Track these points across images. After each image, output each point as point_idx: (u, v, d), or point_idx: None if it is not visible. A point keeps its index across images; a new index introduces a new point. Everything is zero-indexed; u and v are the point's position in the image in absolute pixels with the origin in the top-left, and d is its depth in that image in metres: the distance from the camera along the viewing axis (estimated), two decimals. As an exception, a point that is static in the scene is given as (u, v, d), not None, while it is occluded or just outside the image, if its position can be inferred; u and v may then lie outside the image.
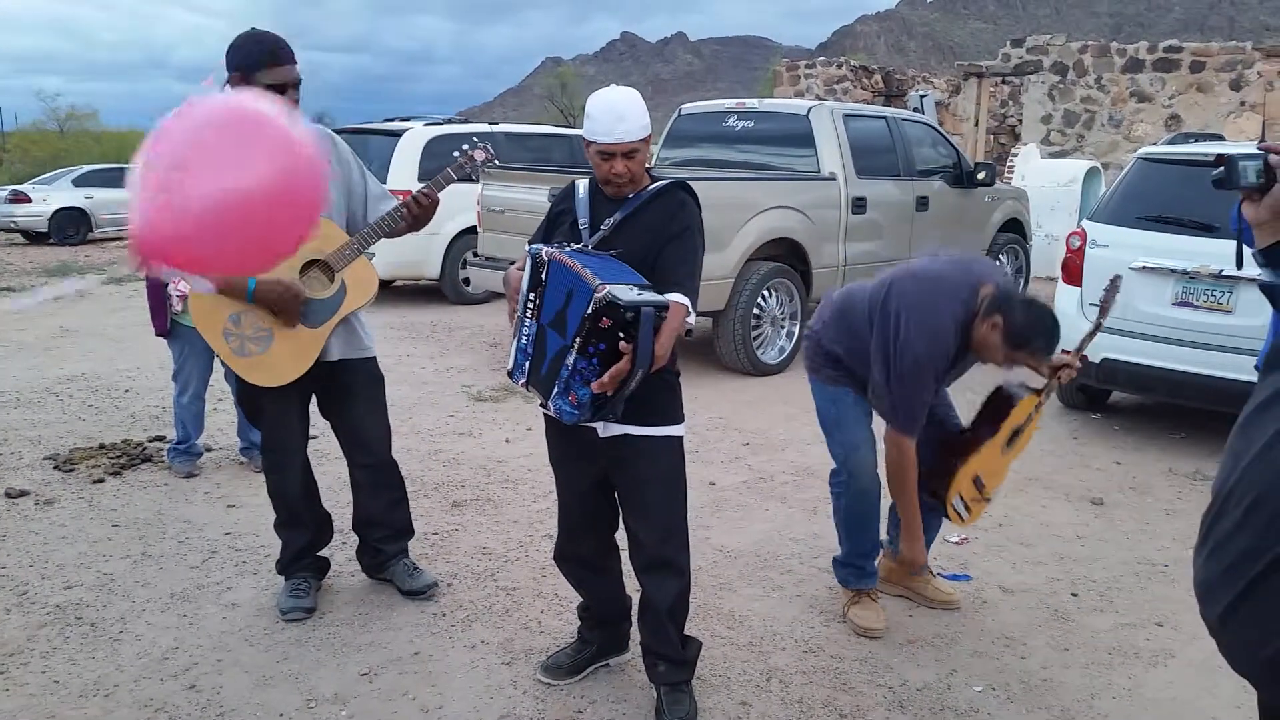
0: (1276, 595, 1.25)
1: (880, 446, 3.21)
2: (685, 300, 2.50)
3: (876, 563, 3.44)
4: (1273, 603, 1.26)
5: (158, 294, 4.61)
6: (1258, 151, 1.58)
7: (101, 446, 5.10)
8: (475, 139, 3.39)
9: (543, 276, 2.47)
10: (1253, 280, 2.98)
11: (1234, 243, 1.74)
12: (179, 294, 4.54)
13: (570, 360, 2.38)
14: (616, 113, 2.52)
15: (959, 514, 3.31)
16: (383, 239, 3.26)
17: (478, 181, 3.34)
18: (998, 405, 3.32)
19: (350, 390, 3.39)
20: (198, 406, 4.82)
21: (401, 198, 3.33)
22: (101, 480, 4.64)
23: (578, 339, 2.35)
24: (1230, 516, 1.34)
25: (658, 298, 2.38)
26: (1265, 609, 1.27)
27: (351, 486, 3.57)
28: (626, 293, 2.31)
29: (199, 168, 1.96)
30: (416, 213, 3.21)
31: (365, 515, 3.55)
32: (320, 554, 3.55)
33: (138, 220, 2.03)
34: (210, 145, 1.99)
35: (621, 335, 2.33)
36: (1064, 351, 3.15)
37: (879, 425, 3.21)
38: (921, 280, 3.06)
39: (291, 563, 3.46)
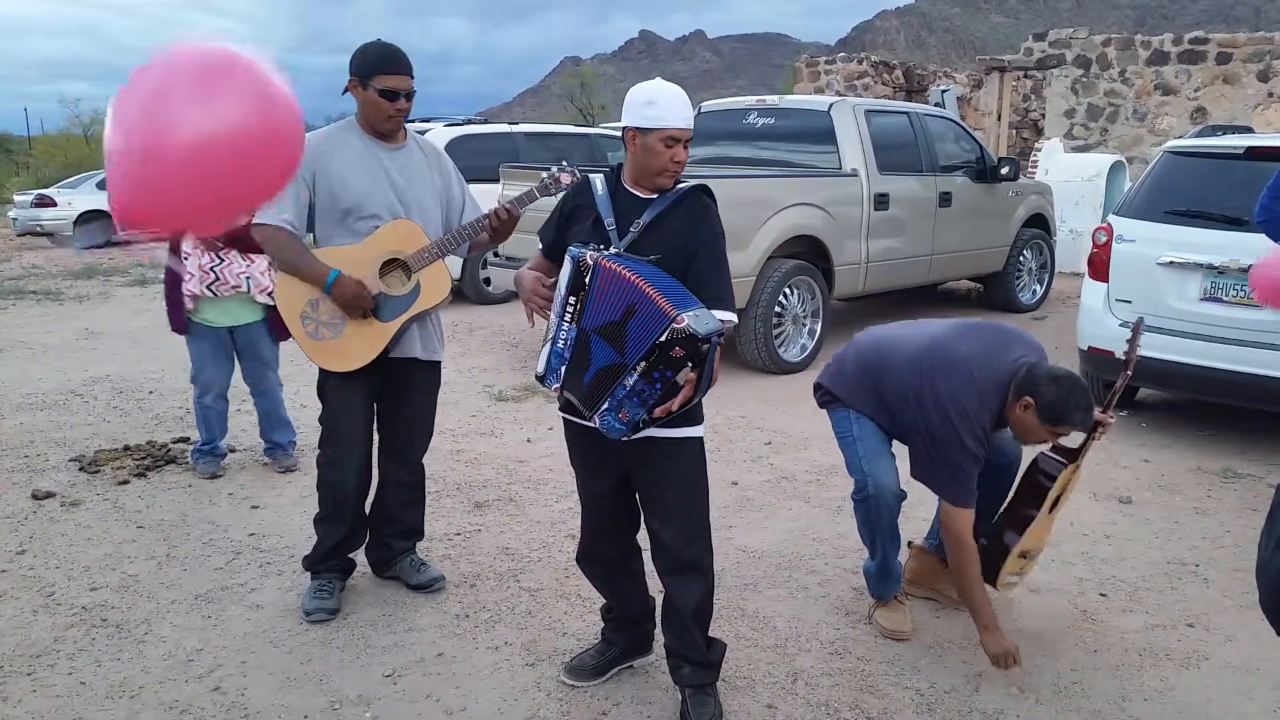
0: None
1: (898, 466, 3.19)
2: (728, 316, 2.51)
3: (902, 562, 3.41)
4: None
5: (176, 291, 4.63)
6: None
7: (126, 448, 5.13)
8: (565, 162, 3.47)
9: (586, 281, 2.44)
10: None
11: (1262, 236, 1.69)
12: (189, 293, 4.56)
13: (630, 382, 2.36)
14: (683, 99, 2.55)
15: (1009, 585, 3.31)
16: (463, 248, 3.40)
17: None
18: (1036, 483, 3.22)
19: (409, 389, 3.47)
20: (221, 407, 4.84)
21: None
22: (126, 482, 4.67)
23: (642, 363, 2.33)
24: None
25: (719, 324, 2.36)
26: None
27: (380, 480, 3.60)
28: (700, 323, 2.29)
29: (167, 114, 1.92)
30: (497, 226, 3.35)
31: (381, 511, 3.59)
32: (349, 555, 3.56)
33: (114, 181, 2.00)
34: (178, 91, 1.95)
35: (690, 363, 2.32)
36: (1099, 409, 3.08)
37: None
38: (953, 371, 2.97)
39: (321, 560, 3.47)
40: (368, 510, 3.58)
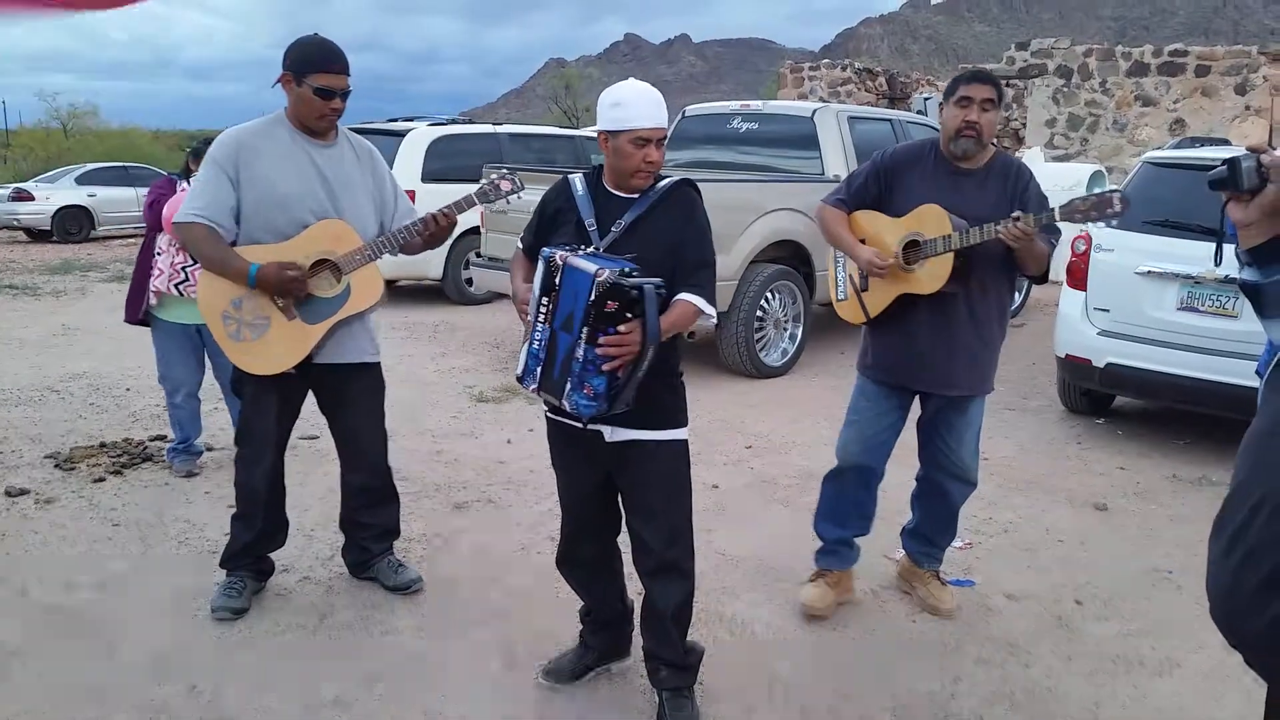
0: None
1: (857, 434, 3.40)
2: (698, 300, 2.51)
3: (900, 560, 3.63)
4: None
5: (139, 283, 4.60)
6: (1249, 152, 1.59)
7: (102, 445, 5.09)
8: (505, 169, 3.43)
9: (556, 281, 2.45)
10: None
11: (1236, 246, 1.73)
12: (154, 290, 4.53)
13: (580, 353, 2.37)
14: (651, 98, 2.53)
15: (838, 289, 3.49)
16: (396, 251, 3.30)
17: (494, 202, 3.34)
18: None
19: (349, 394, 3.40)
20: (192, 406, 4.80)
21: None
22: (102, 479, 4.63)
23: (585, 329, 2.34)
24: (1265, 526, 1.30)
25: (654, 279, 2.38)
26: None
27: (341, 486, 3.58)
28: (621, 274, 2.32)
29: None
30: (434, 229, 3.28)
31: (353, 516, 3.57)
32: (267, 556, 3.53)
33: None
34: None
35: (629, 315, 2.33)
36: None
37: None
38: None
39: (232, 558, 3.43)
40: (340, 513, 3.57)
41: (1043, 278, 3.22)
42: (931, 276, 3.13)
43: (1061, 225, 3.11)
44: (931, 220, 3.12)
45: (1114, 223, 3.08)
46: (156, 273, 4.54)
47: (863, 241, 3.29)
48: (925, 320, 3.22)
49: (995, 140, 3.29)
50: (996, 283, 3.24)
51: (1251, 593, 1.30)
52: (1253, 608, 1.30)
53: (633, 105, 2.51)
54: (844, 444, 3.44)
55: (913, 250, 3.16)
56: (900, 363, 3.29)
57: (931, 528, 3.52)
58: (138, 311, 4.66)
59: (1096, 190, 2.95)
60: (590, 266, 2.32)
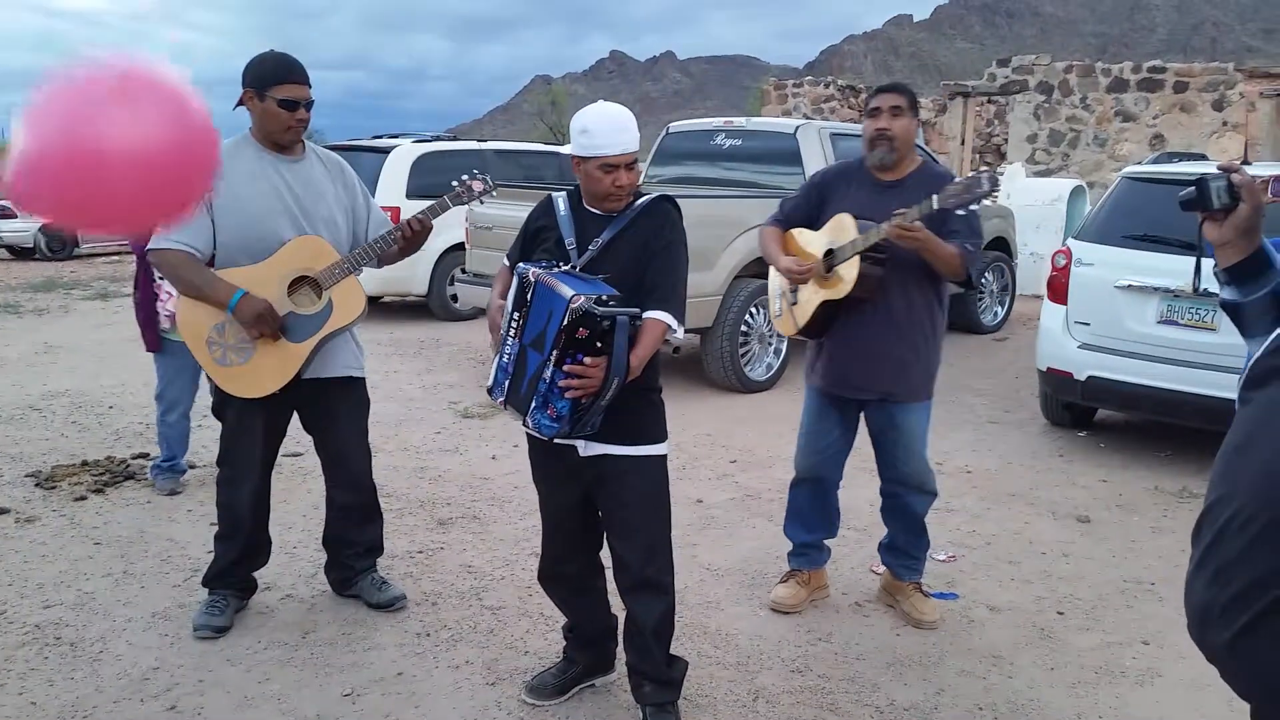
0: None
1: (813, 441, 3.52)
2: (665, 317, 2.52)
3: (880, 571, 3.68)
4: None
5: (148, 309, 4.59)
6: (1220, 172, 1.61)
7: (84, 464, 5.06)
8: (475, 170, 3.44)
9: (528, 297, 2.47)
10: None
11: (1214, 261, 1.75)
12: (168, 314, 4.53)
13: (548, 374, 2.39)
14: (618, 124, 2.53)
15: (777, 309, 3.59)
16: (374, 262, 3.29)
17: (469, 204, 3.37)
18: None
19: (335, 411, 3.40)
20: (184, 425, 4.79)
21: (392, 219, 3.39)
22: (84, 498, 4.60)
23: (554, 352, 2.36)
24: (1234, 541, 1.32)
25: (629, 309, 2.42)
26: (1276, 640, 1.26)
27: (326, 503, 3.57)
28: (598, 303, 2.34)
29: (84, 116, 1.95)
30: (409, 236, 3.26)
31: (337, 533, 3.56)
32: (251, 575, 3.51)
33: (15, 158, 2.02)
34: (98, 97, 1.99)
35: (598, 344, 2.35)
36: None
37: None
38: None
39: (216, 577, 3.42)
40: (324, 530, 3.55)
41: (967, 284, 3.29)
42: (844, 281, 3.24)
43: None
44: (841, 228, 3.25)
45: (986, 202, 3.13)
46: (165, 296, 4.54)
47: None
48: (850, 327, 3.32)
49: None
50: (921, 290, 3.31)
51: (1221, 608, 1.31)
52: (1222, 623, 1.31)
53: (599, 133, 2.52)
54: (797, 455, 3.60)
55: (830, 259, 3.29)
56: (831, 370, 3.40)
57: (903, 540, 3.56)
58: (155, 338, 4.64)
59: (969, 174, 3.03)
60: (567, 291, 2.33)
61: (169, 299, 4.51)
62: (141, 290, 4.65)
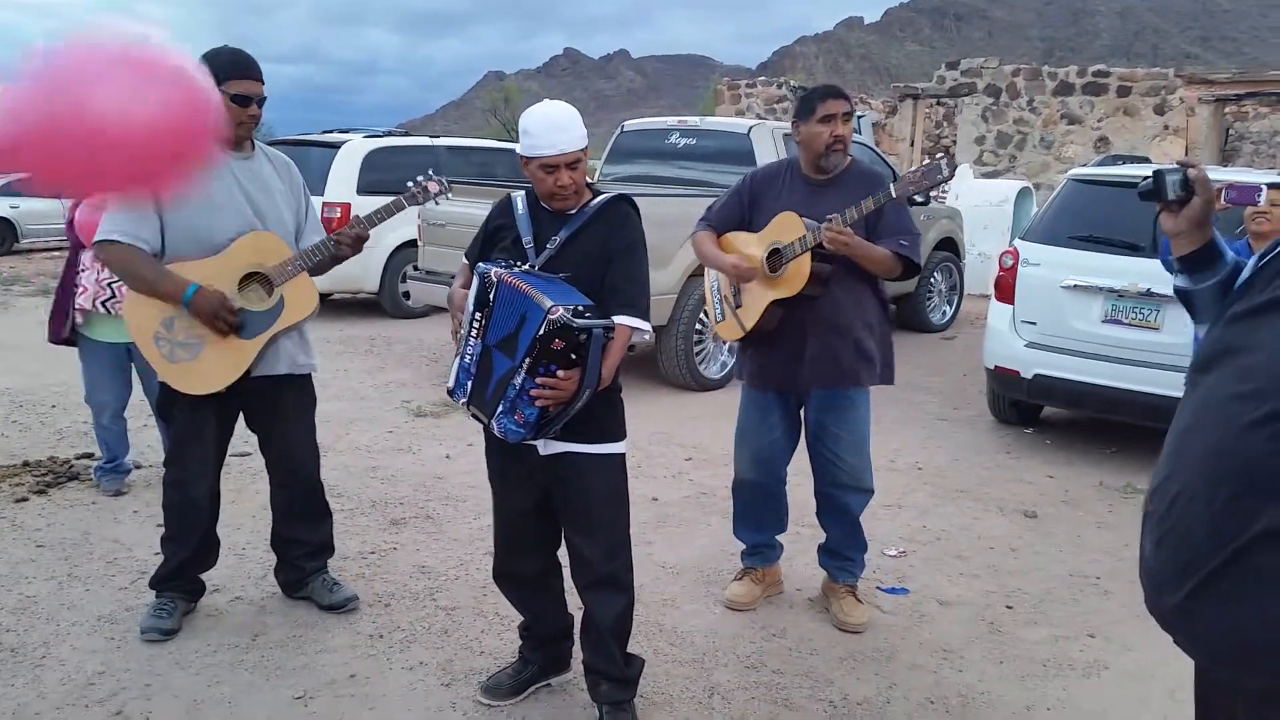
0: (1242, 584, 1.31)
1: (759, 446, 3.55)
2: (633, 321, 2.54)
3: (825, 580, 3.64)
4: (1240, 590, 1.32)
5: (66, 301, 4.47)
6: (1177, 166, 1.70)
7: (25, 464, 4.93)
8: (430, 171, 3.43)
9: (490, 296, 2.46)
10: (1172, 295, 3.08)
11: (1158, 261, 1.84)
12: (79, 308, 4.41)
13: (518, 381, 2.39)
14: (556, 124, 2.52)
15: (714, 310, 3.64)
16: (327, 260, 3.26)
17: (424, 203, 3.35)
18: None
19: (281, 410, 3.36)
20: (119, 426, 4.68)
21: (343, 214, 3.38)
22: (25, 499, 4.48)
23: (527, 360, 2.36)
24: (1182, 514, 1.39)
25: (605, 320, 2.43)
26: (1232, 596, 1.33)
27: (271, 504, 3.52)
28: (576, 314, 2.35)
29: (77, 82, 1.93)
30: (364, 235, 3.26)
31: (286, 534, 3.51)
32: (199, 577, 3.46)
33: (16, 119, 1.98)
34: (90, 65, 1.96)
35: (573, 356, 2.35)
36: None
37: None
38: None
39: (165, 580, 3.36)
40: (271, 531, 3.51)
41: (916, 270, 3.35)
42: (795, 277, 3.27)
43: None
44: (788, 226, 3.29)
45: (946, 187, 3.22)
46: (80, 290, 4.40)
47: None
48: (794, 323, 3.34)
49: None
50: (858, 287, 3.37)
51: (1171, 573, 1.40)
52: (1172, 587, 1.40)
53: (538, 133, 2.52)
54: (737, 458, 3.62)
55: (775, 258, 3.31)
56: (770, 365, 3.44)
57: (839, 541, 3.59)
58: (61, 330, 4.51)
59: (924, 163, 3.11)
60: (545, 301, 2.33)
61: (84, 292, 4.38)
62: (62, 282, 4.51)
